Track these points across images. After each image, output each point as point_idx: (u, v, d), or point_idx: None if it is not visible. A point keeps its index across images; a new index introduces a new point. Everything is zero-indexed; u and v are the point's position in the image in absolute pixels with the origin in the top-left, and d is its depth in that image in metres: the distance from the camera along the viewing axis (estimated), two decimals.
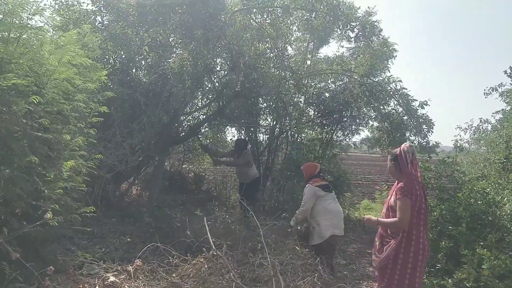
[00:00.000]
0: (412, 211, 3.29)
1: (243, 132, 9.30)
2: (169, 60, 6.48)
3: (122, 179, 7.37)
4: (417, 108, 8.47)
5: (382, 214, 3.65)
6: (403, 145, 3.50)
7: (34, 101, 3.16)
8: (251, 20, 7.81)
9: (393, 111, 8.75)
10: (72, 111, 3.96)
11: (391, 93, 8.62)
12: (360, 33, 9.53)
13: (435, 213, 4.88)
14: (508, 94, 11.53)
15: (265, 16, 8.02)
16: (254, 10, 7.90)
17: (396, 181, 3.54)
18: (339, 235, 4.85)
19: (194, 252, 4.52)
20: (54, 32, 4.59)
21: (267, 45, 7.75)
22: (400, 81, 8.73)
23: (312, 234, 4.87)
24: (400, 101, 8.53)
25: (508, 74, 10.97)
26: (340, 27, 9.58)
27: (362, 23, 9.45)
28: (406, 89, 8.60)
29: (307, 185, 5.04)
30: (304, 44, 10.53)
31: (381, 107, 8.76)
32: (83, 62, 3.92)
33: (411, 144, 3.55)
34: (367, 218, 3.72)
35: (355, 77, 8.66)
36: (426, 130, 8.35)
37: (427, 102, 8.47)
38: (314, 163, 5.53)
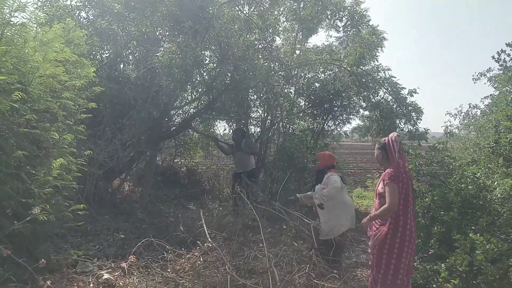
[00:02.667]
0: (399, 198, 3.39)
1: (234, 125, 9.27)
2: (157, 54, 6.42)
3: (113, 176, 7.33)
4: (406, 96, 8.56)
5: (375, 204, 3.70)
6: (390, 135, 3.60)
7: (18, 97, 3.10)
8: (239, 12, 7.74)
9: (383, 100, 8.81)
10: (60, 108, 3.90)
11: (381, 81, 8.66)
12: (349, 22, 9.51)
13: (426, 199, 4.91)
14: (496, 79, 11.62)
15: (252, 8, 7.96)
16: (242, 1, 7.83)
17: (384, 169, 3.62)
18: (352, 228, 4.83)
19: (188, 246, 4.52)
20: (38, 28, 4.51)
21: (256, 36, 7.70)
22: (389, 69, 8.80)
23: (324, 228, 4.68)
24: (389, 89, 8.60)
25: (496, 59, 11.05)
26: (329, 17, 9.56)
27: (351, 13, 9.42)
28: (395, 77, 8.68)
29: (329, 173, 4.80)
30: (293, 34, 10.46)
31: (371, 96, 8.81)
32: (69, 58, 3.86)
33: (398, 134, 3.65)
34: (363, 224, 3.71)
35: (345, 66, 8.66)
36: (416, 117, 8.45)
37: (415, 90, 8.56)
38: (333, 155, 5.27)
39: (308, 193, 5.15)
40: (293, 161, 7.80)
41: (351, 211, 4.82)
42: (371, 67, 9.07)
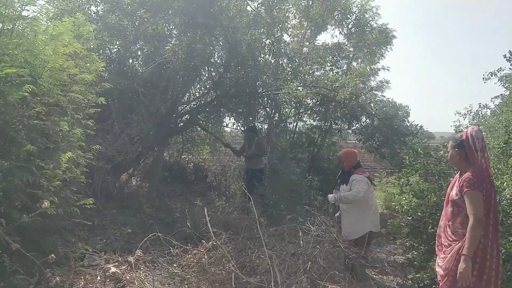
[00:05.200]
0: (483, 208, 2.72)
1: (241, 121, 9.25)
2: (167, 48, 6.43)
3: (121, 170, 7.37)
4: (404, 120, 8.71)
5: (445, 212, 3.04)
6: (470, 129, 2.92)
7: (28, 89, 3.12)
8: (247, 7, 7.73)
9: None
10: (69, 102, 3.93)
11: (373, 113, 8.75)
12: (356, 29, 9.51)
13: (434, 199, 4.87)
14: (507, 78, 11.48)
15: (259, 2, 7.94)
16: None
17: (459, 172, 2.98)
18: (375, 231, 4.63)
19: (194, 242, 4.52)
20: (48, 22, 4.53)
21: (263, 30, 7.67)
22: (384, 95, 9.01)
23: (344, 229, 4.57)
24: (382, 120, 8.64)
25: (508, 58, 10.91)
26: (336, 18, 9.54)
27: (358, 17, 9.40)
28: (391, 100, 8.95)
29: (356, 175, 4.52)
30: (301, 31, 10.42)
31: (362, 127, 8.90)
32: (78, 51, 3.88)
33: (480, 128, 2.95)
34: (461, 277, 2.69)
35: (354, 64, 8.64)
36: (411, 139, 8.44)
37: (408, 111, 8.75)
38: (353, 150, 4.91)
39: (334, 195, 4.81)
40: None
41: (374, 214, 4.54)
42: (365, 97, 9.12)
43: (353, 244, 4.45)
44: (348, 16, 9.28)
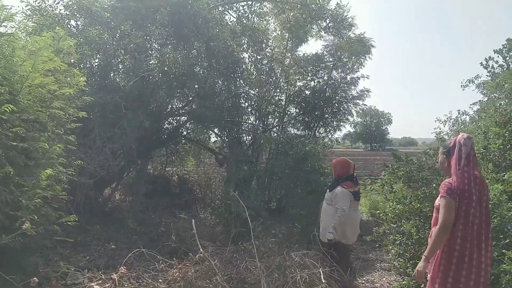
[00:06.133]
0: (458, 216, 2.70)
1: (226, 132, 9.25)
2: (151, 62, 6.41)
3: (104, 185, 7.25)
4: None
5: (434, 218, 2.99)
6: (459, 136, 2.89)
7: (7, 110, 3.06)
8: (230, 12, 7.81)
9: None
10: (49, 118, 3.86)
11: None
12: (331, 24, 9.57)
13: (418, 205, 4.93)
14: (484, 85, 11.76)
15: (241, 11, 8.02)
16: (234, 6, 7.90)
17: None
18: (346, 243, 4.40)
19: (180, 256, 4.47)
20: (27, 37, 4.47)
21: (245, 45, 7.75)
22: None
23: (321, 228, 4.50)
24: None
25: (484, 66, 11.21)
26: (313, 21, 9.64)
27: (333, 15, 9.50)
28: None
29: (338, 187, 4.37)
30: (283, 43, 10.54)
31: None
32: (58, 67, 3.82)
33: (470, 135, 2.91)
34: (420, 272, 2.78)
35: (335, 74, 8.76)
36: None
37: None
38: (348, 160, 4.70)
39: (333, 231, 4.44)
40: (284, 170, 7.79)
41: (354, 227, 4.46)
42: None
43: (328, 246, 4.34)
44: (324, 15, 9.32)
